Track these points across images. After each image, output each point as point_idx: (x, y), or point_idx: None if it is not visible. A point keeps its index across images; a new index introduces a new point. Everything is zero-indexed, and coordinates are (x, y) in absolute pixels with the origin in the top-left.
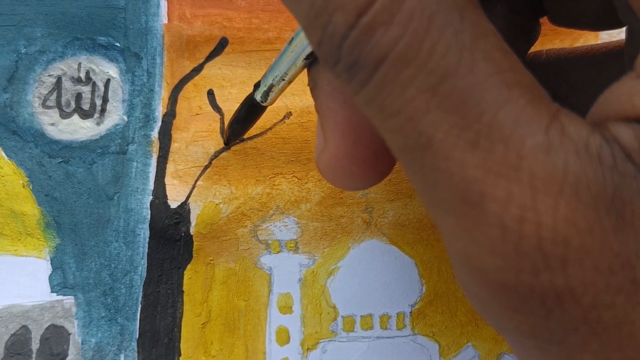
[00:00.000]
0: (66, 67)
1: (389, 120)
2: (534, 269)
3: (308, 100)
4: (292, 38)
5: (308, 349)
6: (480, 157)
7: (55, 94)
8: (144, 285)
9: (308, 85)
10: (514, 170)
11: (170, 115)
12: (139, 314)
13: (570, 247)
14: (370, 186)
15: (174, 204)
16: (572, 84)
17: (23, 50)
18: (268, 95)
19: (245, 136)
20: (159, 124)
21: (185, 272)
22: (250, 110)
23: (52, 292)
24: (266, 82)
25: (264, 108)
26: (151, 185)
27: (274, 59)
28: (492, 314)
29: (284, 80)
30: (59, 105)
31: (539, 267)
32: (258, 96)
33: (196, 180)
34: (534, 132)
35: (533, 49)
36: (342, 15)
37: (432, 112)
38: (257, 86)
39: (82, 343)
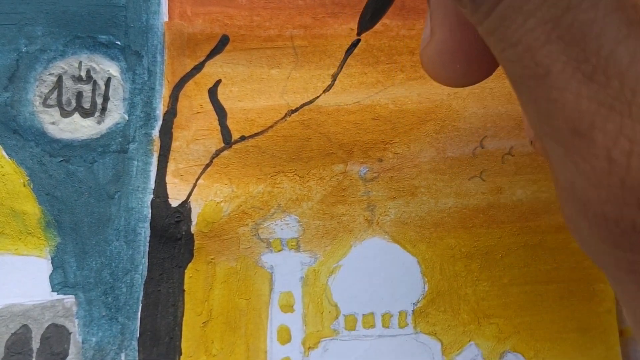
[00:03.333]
0: (67, 65)
1: (509, 49)
2: (638, 203)
3: (309, 98)
4: None
5: (309, 347)
6: (595, 90)
7: (56, 93)
8: (144, 284)
9: None
10: (627, 105)
11: (171, 114)
12: (139, 313)
13: None
14: (467, 84)
15: (174, 202)
16: None
17: (24, 49)
18: None
19: (246, 134)
20: (159, 122)
21: (186, 271)
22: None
23: (52, 291)
24: None
25: None
26: (152, 184)
27: None
28: (592, 248)
29: None
30: (59, 104)
31: None
32: None
33: (197, 179)
34: None
35: None
36: None
37: (552, 44)
38: None
39: (83, 342)
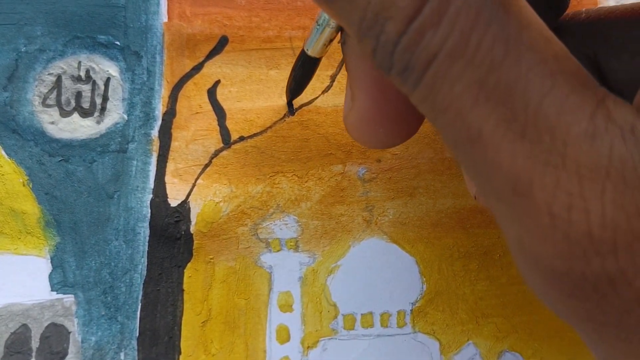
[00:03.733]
0: (66, 65)
1: (440, 116)
2: (584, 255)
3: (307, 98)
4: None
5: (308, 347)
6: (528, 147)
7: (55, 93)
8: (144, 284)
9: (339, 42)
10: (561, 157)
11: (170, 114)
12: (139, 313)
13: (620, 231)
14: (392, 146)
15: (174, 202)
16: (613, 44)
17: (23, 49)
18: (315, 46)
19: (245, 134)
20: (159, 122)
21: (185, 270)
22: (305, 65)
23: (52, 290)
24: (313, 34)
25: (316, 60)
26: (151, 183)
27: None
28: (548, 299)
29: (325, 26)
30: (59, 103)
31: (589, 253)
32: (308, 49)
33: (196, 179)
34: (579, 119)
35: (571, 9)
36: (393, 24)
37: (480, 106)
38: (305, 47)
39: (82, 342)
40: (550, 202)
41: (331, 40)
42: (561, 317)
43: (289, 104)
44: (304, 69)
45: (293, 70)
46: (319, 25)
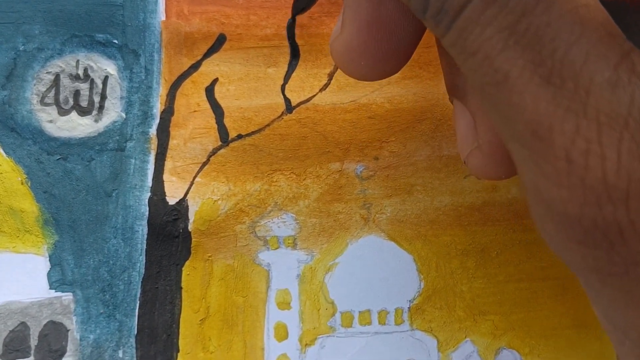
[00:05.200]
0: (64, 64)
1: (469, 59)
2: (597, 201)
3: (305, 96)
4: None
5: (306, 344)
6: (552, 92)
7: (53, 91)
8: (142, 282)
9: None
10: (582, 105)
11: (168, 112)
12: (137, 311)
13: (633, 181)
14: (373, 79)
15: (172, 200)
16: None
17: (21, 48)
18: None
19: (243, 132)
20: (157, 121)
21: (183, 268)
22: None
23: (50, 288)
24: None
25: None
26: (149, 182)
27: None
28: (559, 247)
29: None
30: (57, 102)
31: (602, 199)
32: None
33: (194, 177)
34: (603, 68)
35: None
36: None
37: (509, 50)
38: None
39: (81, 339)
40: (568, 147)
41: None
42: (569, 265)
43: (293, 15)
44: None
45: None
46: None
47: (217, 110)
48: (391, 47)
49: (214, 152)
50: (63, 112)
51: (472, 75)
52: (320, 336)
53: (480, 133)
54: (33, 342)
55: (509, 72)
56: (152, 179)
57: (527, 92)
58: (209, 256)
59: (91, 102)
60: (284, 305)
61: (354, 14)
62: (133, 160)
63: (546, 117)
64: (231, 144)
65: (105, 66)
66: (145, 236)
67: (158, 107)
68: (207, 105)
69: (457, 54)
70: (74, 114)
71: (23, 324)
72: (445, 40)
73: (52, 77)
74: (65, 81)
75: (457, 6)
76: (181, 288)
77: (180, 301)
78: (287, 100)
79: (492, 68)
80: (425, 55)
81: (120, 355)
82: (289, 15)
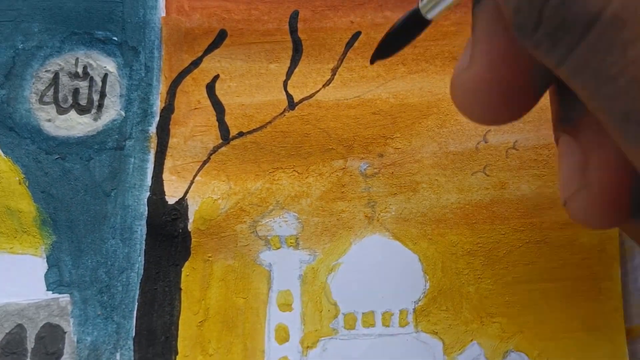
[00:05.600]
0: (63, 62)
1: (607, 85)
2: None
3: (308, 92)
4: None
5: (308, 347)
6: None
7: (52, 90)
8: (141, 283)
9: None
10: None
11: (168, 110)
12: (135, 312)
13: None
14: (493, 124)
15: (171, 200)
16: None
17: (20, 46)
18: (436, 8)
19: (244, 130)
20: (157, 119)
21: (183, 269)
22: (412, 24)
23: (47, 290)
24: None
25: (428, 23)
26: (149, 181)
27: None
28: None
29: None
30: (56, 101)
31: None
32: (425, 9)
33: (194, 176)
34: None
35: None
36: None
37: None
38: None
39: (78, 342)
40: None
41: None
42: None
43: (374, 58)
44: (409, 30)
45: (395, 25)
46: None
47: (218, 108)
48: (525, 85)
49: (214, 150)
50: (62, 110)
51: (609, 104)
52: (322, 338)
53: (592, 171)
54: (30, 344)
55: None
56: (152, 178)
57: None
58: (209, 256)
59: (90, 100)
60: (286, 306)
61: (488, 46)
62: (132, 159)
63: None
64: (232, 142)
65: (105, 64)
66: (144, 236)
67: (158, 104)
68: (208, 103)
69: (587, 80)
70: (72, 113)
71: (20, 326)
72: (566, 65)
73: (51, 76)
74: (64, 79)
75: (584, 20)
76: (180, 289)
77: (180, 302)
78: (290, 97)
79: None
80: (432, 48)
81: (118, 357)
82: (291, 10)
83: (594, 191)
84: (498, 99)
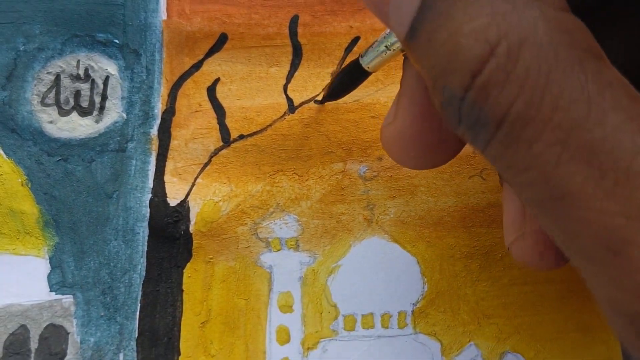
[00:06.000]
0: (65, 64)
1: (520, 175)
2: None
3: (308, 96)
4: None
5: (308, 348)
6: (621, 204)
7: (54, 92)
8: (143, 284)
9: (403, 54)
10: None
11: (169, 113)
12: (138, 313)
13: None
14: (422, 169)
15: (173, 202)
16: None
17: (22, 48)
18: (374, 62)
19: (245, 133)
20: (158, 121)
21: (184, 270)
22: (355, 75)
23: (50, 291)
24: (376, 49)
25: (369, 74)
26: (150, 183)
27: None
28: None
29: (391, 50)
30: (57, 102)
31: None
32: (365, 62)
33: (196, 178)
34: None
35: None
36: (457, 77)
37: (565, 165)
38: (362, 55)
39: (81, 342)
40: None
41: (389, 58)
42: None
43: (322, 100)
44: (352, 79)
45: (340, 74)
46: (387, 49)
47: (219, 110)
48: (445, 139)
49: (215, 152)
50: (64, 112)
51: (524, 191)
52: (323, 340)
53: (528, 222)
54: (33, 345)
55: (569, 187)
56: (153, 180)
57: (592, 207)
58: (211, 258)
59: (92, 102)
60: (286, 308)
61: (410, 102)
62: (134, 161)
63: (618, 231)
64: (233, 145)
65: (106, 66)
66: (146, 238)
67: (159, 107)
68: (209, 105)
69: (504, 169)
70: (74, 115)
71: (23, 326)
72: (486, 154)
73: (53, 78)
74: (65, 81)
75: (493, 120)
76: (182, 290)
77: (182, 304)
78: (290, 100)
79: (549, 185)
80: None
81: (121, 358)
82: (291, 14)
83: (531, 240)
84: (420, 151)
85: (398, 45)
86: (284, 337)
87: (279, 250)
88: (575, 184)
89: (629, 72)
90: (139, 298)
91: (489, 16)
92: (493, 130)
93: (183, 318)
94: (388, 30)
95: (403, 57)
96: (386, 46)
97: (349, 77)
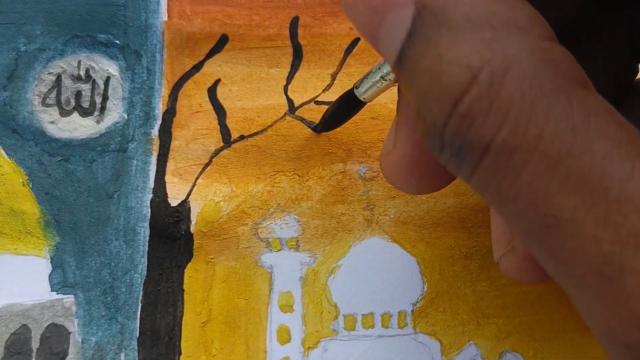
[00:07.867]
0: (66, 64)
1: (508, 205)
2: None
3: (308, 97)
4: None
5: (309, 347)
6: (614, 231)
7: (55, 92)
8: (144, 284)
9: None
10: None
11: (170, 113)
12: (139, 313)
13: None
14: (421, 194)
15: (174, 202)
16: None
17: (23, 48)
18: (369, 92)
19: (245, 133)
20: (159, 121)
21: (185, 270)
22: (350, 105)
23: (52, 290)
24: (371, 79)
25: (364, 104)
26: (151, 183)
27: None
28: None
29: (386, 80)
30: (58, 103)
31: None
32: (360, 92)
33: (196, 178)
34: None
35: None
36: (439, 104)
37: (553, 194)
38: (356, 85)
39: (82, 342)
40: None
41: (384, 89)
42: None
43: (318, 130)
44: (348, 110)
45: (335, 104)
46: (383, 79)
47: (220, 111)
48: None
49: (216, 153)
50: (64, 113)
51: (513, 220)
52: (323, 339)
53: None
54: (34, 344)
55: (559, 216)
56: (154, 181)
57: (584, 235)
58: (211, 258)
59: (93, 103)
60: (287, 308)
61: (407, 132)
62: (135, 162)
63: (612, 258)
64: (233, 145)
65: (107, 67)
66: (147, 238)
67: (160, 108)
68: (210, 106)
69: (492, 198)
70: (75, 115)
71: (24, 326)
72: (472, 183)
73: (54, 78)
74: (66, 82)
75: (479, 147)
76: (183, 290)
77: (183, 304)
78: (290, 101)
79: (539, 214)
80: None
81: (122, 358)
82: (292, 16)
83: (520, 254)
84: (421, 178)
85: (393, 75)
86: (284, 336)
87: (279, 250)
88: (566, 212)
89: (611, 95)
90: (140, 298)
91: (473, 44)
92: (477, 159)
93: (184, 318)
94: (383, 60)
95: (398, 85)
96: (381, 76)
97: (344, 108)
